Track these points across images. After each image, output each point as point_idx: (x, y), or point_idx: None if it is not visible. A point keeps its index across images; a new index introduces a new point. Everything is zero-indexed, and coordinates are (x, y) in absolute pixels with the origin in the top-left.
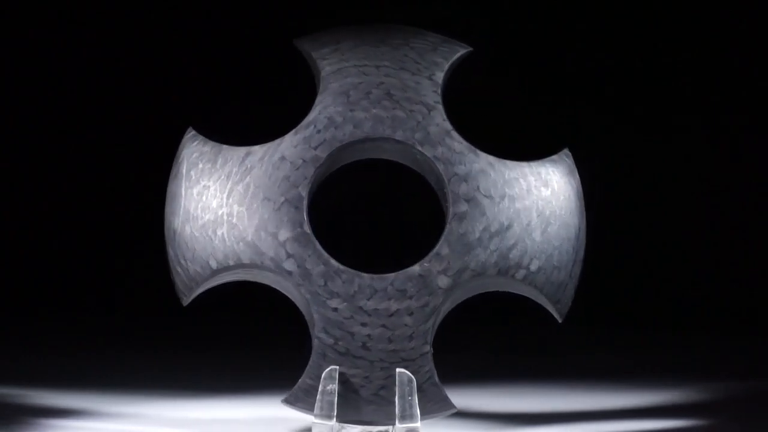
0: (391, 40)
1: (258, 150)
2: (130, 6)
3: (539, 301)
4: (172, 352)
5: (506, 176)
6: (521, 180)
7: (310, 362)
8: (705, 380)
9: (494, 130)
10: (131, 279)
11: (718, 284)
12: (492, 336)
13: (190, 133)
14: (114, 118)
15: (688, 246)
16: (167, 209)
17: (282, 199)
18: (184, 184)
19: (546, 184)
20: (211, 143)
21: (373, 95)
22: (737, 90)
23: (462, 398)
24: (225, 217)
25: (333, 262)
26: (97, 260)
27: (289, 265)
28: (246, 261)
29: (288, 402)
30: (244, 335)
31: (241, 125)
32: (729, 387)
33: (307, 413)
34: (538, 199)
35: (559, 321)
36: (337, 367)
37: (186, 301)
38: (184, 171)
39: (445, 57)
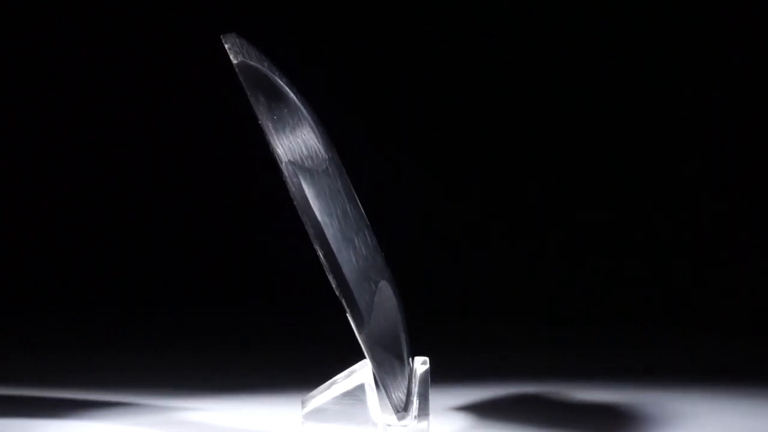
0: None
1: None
2: (132, 9)
3: None
4: (172, 352)
5: None
6: None
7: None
8: (705, 379)
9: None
10: (133, 279)
11: (718, 284)
12: (491, 335)
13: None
14: (116, 120)
15: (687, 247)
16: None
17: (351, 208)
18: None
19: None
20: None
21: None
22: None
23: (462, 397)
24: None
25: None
26: (98, 260)
27: (388, 275)
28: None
29: (402, 411)
30: (243, 336)
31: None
32: (729, 386)
33: (405, 418)
34: None
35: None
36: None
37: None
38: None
39: None
